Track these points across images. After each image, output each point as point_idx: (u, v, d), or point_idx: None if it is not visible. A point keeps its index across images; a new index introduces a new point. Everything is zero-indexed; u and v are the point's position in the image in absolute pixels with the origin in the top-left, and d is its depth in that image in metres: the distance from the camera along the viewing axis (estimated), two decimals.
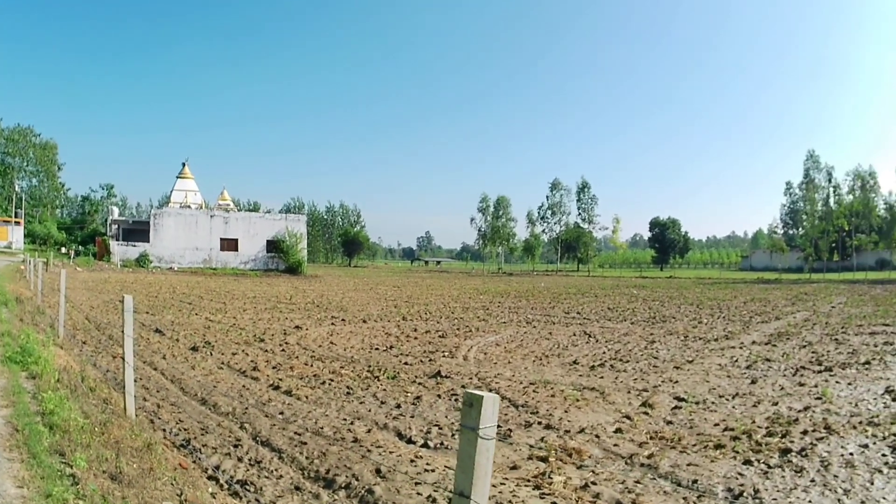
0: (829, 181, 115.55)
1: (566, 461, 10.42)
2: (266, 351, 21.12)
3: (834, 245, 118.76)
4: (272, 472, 9.67)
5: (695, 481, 9.65)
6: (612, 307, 44.29)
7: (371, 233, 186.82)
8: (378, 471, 9.63)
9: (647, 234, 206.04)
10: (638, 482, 9.60)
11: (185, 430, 11.62)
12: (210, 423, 12.21)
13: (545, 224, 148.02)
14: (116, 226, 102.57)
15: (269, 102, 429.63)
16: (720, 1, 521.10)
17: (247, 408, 13.40)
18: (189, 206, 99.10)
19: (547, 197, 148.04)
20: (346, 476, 9.43)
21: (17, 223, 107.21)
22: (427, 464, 10.10)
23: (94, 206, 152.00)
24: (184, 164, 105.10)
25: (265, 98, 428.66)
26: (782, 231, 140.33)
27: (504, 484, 9.28)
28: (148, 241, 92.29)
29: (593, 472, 10.01)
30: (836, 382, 17.62)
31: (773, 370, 19.63)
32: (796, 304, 47.43)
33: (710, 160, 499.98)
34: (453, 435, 11.79)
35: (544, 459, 10.42)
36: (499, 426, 12.19)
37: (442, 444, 11.26)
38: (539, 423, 12.87)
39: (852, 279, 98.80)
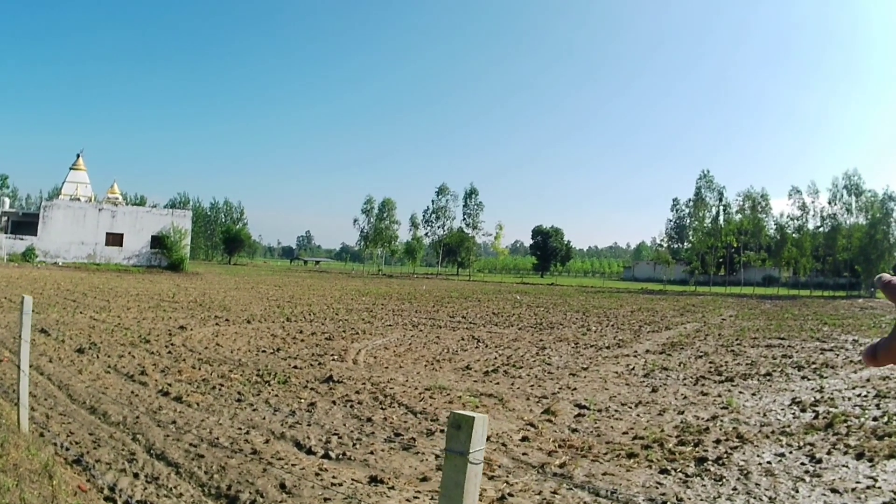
0: (721, 199, 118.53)
1: None
2: (152, 353, 20.21)
3: (721, 260, 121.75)
4: (171, 489, 8.97)
5: (613, 491, 9.44)
6: (496, 312, 44.29)
7: (252, 231, 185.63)
8: (283, 485, 9.07)
9: (528, 242, 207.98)
10: (555, 493, 9.34)
11: (76, 443, 10.74)
12: (102, 434, 11.33)
13: (429, 227, 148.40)
14: (6, 218, 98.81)
15: (162, 96, 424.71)
16: (616, 12, 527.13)
17: (138, 416, 12.55)
18: (79, 199, 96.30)
19: (433, 201, 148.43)
20: (250, 492, 8.83)
21: None
22: (333, 477, 9.59)
23: None
24: (78, 156, 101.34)
25: (158, 92, 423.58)
26: (667, 245, 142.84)
27: (418, 498, 8.89)
28: (36, 235, 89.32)
29: (507, 482, 9.66)
30: (740, 393, 17.77)
31: (671, 379, 19.69)
32: (685, 315, 48.28)
33: (593, 173, 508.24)
34: (354, 444, 11.24)
35: None
36: (400, 434, 12.03)
37: (344, 454, 10.65)
38: (441, 430, 12.37)
39: (739, 293, 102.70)
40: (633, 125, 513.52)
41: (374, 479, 9.45)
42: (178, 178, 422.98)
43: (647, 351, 26.06)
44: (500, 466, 10.32)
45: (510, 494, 9.05)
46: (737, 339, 31.30)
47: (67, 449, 10.28)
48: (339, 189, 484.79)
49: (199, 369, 17.86)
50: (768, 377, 20.36)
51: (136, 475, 9.35)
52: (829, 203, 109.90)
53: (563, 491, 9.37)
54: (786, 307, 64.67)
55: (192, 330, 26.24)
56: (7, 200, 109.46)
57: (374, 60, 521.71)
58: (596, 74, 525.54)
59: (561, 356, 23.56)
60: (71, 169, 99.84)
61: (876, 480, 10.39)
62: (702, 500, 9.26)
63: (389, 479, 9.48)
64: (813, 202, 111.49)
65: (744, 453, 11.63)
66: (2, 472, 7.80)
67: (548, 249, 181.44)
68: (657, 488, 9.65)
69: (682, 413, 14.94)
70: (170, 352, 20.61)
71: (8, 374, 15.54)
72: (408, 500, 8.73)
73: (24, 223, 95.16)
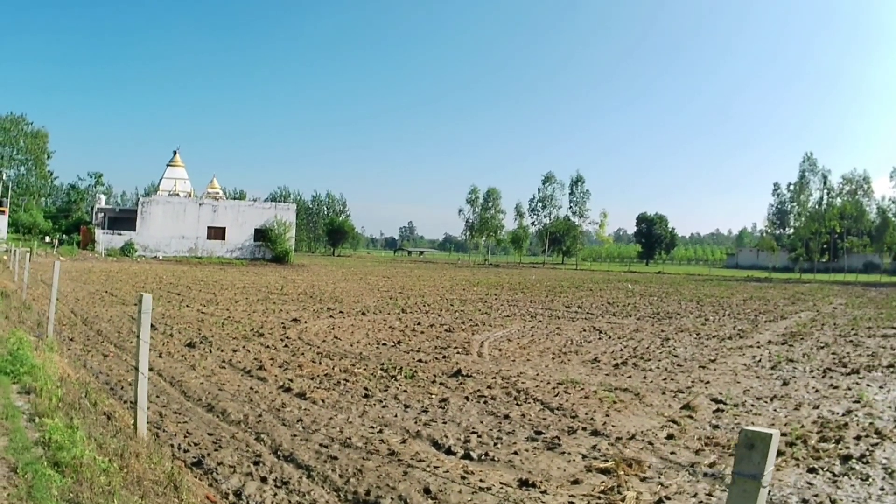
0: (825, 184, 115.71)
1: (628, 473, 9.62)
2: (268, 347, 20.05)
3: (825, 246, 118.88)
4: (304, 495, 8.57)
5: (768, 492, 8.80)
6: (611, 302, 43.71)
7: (354, 222, 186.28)
8: (427, 490, 8.69)
9: (630, 229, 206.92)
10: (710, 494, 9.00)
11: (195, 444, 10.41)
12: (222, 434, 11.05)
13: (535, 216, 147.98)
14: (102, 214, 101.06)
15: (259, 92, 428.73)
16: None
17: (260, 414, 12.27)
18: (178, 195, 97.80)
19: (539, 189, 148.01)
20: (392, 498, 8.43)
21: (2, 212, 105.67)
22: (480, 480, 9.18)
23: (81, 194, 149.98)
24: (175, 153, 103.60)
25: (254, 87, 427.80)
26: (770, 231, 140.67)
27: (574, 503, 8.51)
28: (134, 230, 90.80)
29: (661, 484, 9.29)
30: (868, 385, 17.32)
31: (799, 371, 19.17)
32: (796, 304, 47.15)
33: (693, 158, 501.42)
34: (495, 444, 10.91)
35: (605, 472, 9.66)
36: (541, 432, 11.66)
37: (486, 454, 10.27)
38: (583, 428, 12.03)
39: (843, 280, 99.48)
40: (732, 107, 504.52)
41: (523, 483, 9.06)
42: (277, 172, 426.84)
43: (770, 342, 25.41)
44: (649, 467, 9.95)
45: (667, 497, 8.69)
46: (852, 329, 30.56)
47: (186, 451, 9.97)
48: (440, 179, 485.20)
49: (320, 364, 17.61)
50: (892, 369, 19.86)
51: (263, 479, 9.00)
52: None
53: (717, 493, 9.05)
54: (891, 295, 63.08)
55: (306, 322, 26.11)
56: (103, 198, 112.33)
57: (472, 46, 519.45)
58: (692, 57, 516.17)
59: (686, 347, 23.11)
60: (168, 165, 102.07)
61: None
62: (853, 500, 8.97)
63: (540, 482, 9.10)
64: None
65: (884, 450, 11.30)
66: (126, 489, 7.40)
67: (652, 237, 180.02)
68: (808, 488, 9.38)
69: (818, 408, 14.53)
70: (286, 345, 20.42)
71: (115, 370, 15.53)
72: None
73: (121, 219, 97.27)
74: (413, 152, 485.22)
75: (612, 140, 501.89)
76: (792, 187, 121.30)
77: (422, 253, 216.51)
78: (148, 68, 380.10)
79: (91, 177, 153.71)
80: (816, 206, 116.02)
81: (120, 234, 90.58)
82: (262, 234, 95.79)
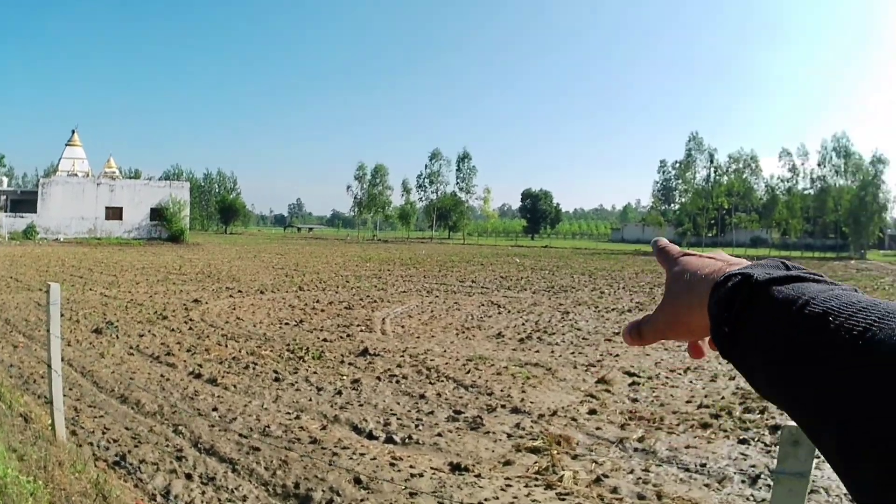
0: (711, 161, 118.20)
1: (559, 451, 9.45)
2: (173, 330, 19.50)
3: (713, 221, 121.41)
4: (232, 491, 8.21)
5: (703, 465, 9.19)
6: (504, 276, 44.04)
7: (245, 200, 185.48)
8: (358, 480, 8.38)
9: (515, 205, 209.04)
10: (647, 470, 8.97)
11: (114, 441, 9.82)
12: (140, 428, 10.45)
13: (422, 192, 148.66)
14: (5, 196, 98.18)
15: (153, 70, 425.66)
16: None
17: (174, 404, 11.73)
18: (77, 175, 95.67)
19: (426, 166, 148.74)
20: (323, 490, 8.11)
21: None
22: (410, 466, 8.91)
23: None
24: (73, 132, 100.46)
25: (149, 67, 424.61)
26: (656, 206, 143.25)
27: (511, 486, 8.29)
28: (35, 212, 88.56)
29: (594, 462, 9.21)
30: None
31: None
32: None
33: (578, 136, 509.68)
34: (417, 426, 10.70)
35: (535, 451, 9.53)
36: (460, 412, 11.50)
37: (410, 437, 10.09)
38: (502, 406, 11.92)
39: (732, 254, 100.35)
40: (616, 88, 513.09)
41: (455, 467, 8.87)
42: (171, 150, 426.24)
43: None
44: (578, 444, 9.83)
45: (605, 476, 8.57)
46: None
47: (107, 449, 9.49)
48: (328, 157, 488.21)
49: (226, 346, 17.23)
50: None
51: (188, 476, 8.60)
52: (819, 165, 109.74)
53: (654, 468, 8.98)
54: None
55: (207, 303, 25.68)
56: (5, 179, 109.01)
57: (364, 26, 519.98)
58: (581, 35, 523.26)
59: (587, 321, 23.24)
60: (67, 145, 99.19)
61: None
62: None
63: (471, 465, 8.92)
64: (803, 164, 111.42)
65: None
66: None
67: (537, 212, 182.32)
68: (744, 460, 9.46)
69: (734, 379, 14.55)
70: (191, 328, 19.96)
71: (26, 362, 14.83)
72: (501, 489, 8.16)
73: (23, 201, 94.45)
74: (301, 130, 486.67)
75: (498, 118, 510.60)
76: (678, 165, 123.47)
77: (311, 229, 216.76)
78: (45, 47, 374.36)
79: None
80: (704, 183, 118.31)
81: (22, 217, 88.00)
82: (157, 214, 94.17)
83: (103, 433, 10.12)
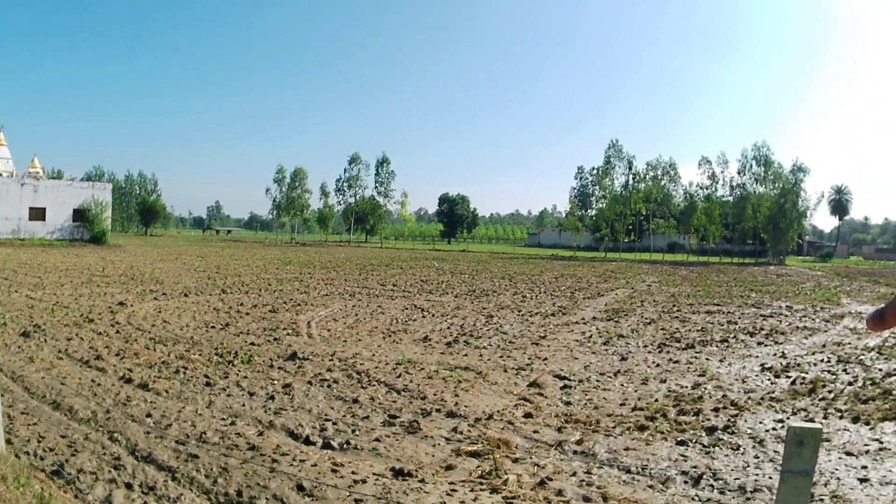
0: (630, 168, 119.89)
1: (499, 455, 9.42)
2: (100, 334, 19.16)
3: (630, 227, 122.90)
4: (174, 501, 7.99)
5: (644, 467, 9.29)
6: (424, 279, 44.32)
7: (165, 202, 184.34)
8: (301, 487, 8.24)
9: (432, 209, 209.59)
10: (589, 472, 9.03)
11: (51, 450, 9.44)
12: (75, 436, 10.06)
13: (341, 196, 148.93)
14: None
15: (75, 71, 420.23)
16: None
17: (108, 410, 11.44)
18: (1, 174, 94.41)
19: (345, 170, 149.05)
20: (267, 498, 7.99)
21: None
22: (352, 472, 8.80)
23: None
24: None
25: (72, 67, 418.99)
26: (573, 212, 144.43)
27: (457, 491, 8.26)
28: None
29: (536, 465, 9.22)
30: (707, 359, 18.08)
31: (633, 346, 19.85)
32: (609, 281, 48.88)
33: (495, 143, 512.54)
34: (354, 431, 10.58)
35: (476, 455, 9.53)
36: (395, 416, 11.49)
37: (348, 442, 9.96)
38: (437, 410, 11.95)
39: (650, 259, 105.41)
40: (534, 94, 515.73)
41: (398, 473, 8.79)
42: (93, 151, 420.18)
43: (594, 318, 26.08)
44: (517, 447, 9.86)
45: (548, 479, 8.58)
46: (674, 306, 31.78)
47: (43, 458, 9.07)
48: (247, 160, 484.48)
49: (155, 350, 17.02)
50: (725, 343, 20.72)
51: (129, 486, 8.34)
52: (739, 173, 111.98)
53: (596, 470, 9.06)
54: (702, 273, 66.13)
55: (132, 306, 25.31)
56: None
57: (284, 28, 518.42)
58: (500, 39, 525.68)
59: (512, 325, 23.42)
60: None
61: (882, 442, 10.72)
62: (731, 470, 9.24)
63: (413, 470, 8.86)
64: (722, 172, 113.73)
65: (746, 421, 11.75)
66: None
67: (454, 217, 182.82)
68: (685, 461, 9.57)
69: (665, 381, 14.94)
70: (118, 331, 19.64)
71: None
72: (447, 493, 8.14)
73: None
74: (220, 132, 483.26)
75: (416, 122, 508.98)
76: (596, 171, 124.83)
77: (229, 232, 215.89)
78: None
79: None
80: (622, 190, 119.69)
81: None
82: (80, 215, 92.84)
83: (38, 441, 9.77)
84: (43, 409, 11.58)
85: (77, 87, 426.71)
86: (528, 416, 11.62)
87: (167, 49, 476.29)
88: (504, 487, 8.13)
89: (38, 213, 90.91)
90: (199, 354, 16.54)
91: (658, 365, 16.89)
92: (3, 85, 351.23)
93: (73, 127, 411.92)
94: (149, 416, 11.20)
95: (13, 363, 14.82)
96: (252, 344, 18.24)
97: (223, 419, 11.15)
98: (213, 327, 20.88)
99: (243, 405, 12.09)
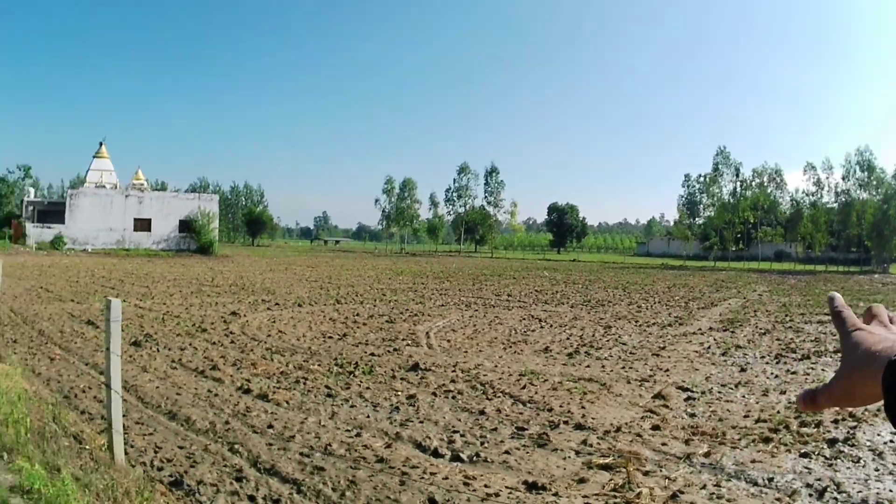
0: (737, 175, 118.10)
1: (631, 468, 9.36)
2: (214, 343, 19.37)
3: (738, 235, 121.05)
4: None
5: (771, 479, 9.19)
6: (538, 289, 44.09)
7: (271, 213, 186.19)
8: (433, 501, 8.18)
9: (540, 219, 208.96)
10: (718, 485, 8.96)
11: (168, 461, 9.54)
12: (193, 447, 10.20)
13: (450, 206, 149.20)
14: (32, 207, 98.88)
15: (179, 83, 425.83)
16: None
17: (227, 421, 11.52)
18: (105, 186, 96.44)
19: (454, 180, 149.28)
20: None
21: None
22: (485, 486, 8.73)
23: (10, 187, 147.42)
24: (101, 144, 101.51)
25: (175, 80, 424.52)
26: (681, 220, 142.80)
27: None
28: (63, 223, 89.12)
29: (667, 478, 9.14)
30: (823, 370, 17.69)
31: (751, 357, 19.55)
32: (721, 291, 48.13)
33: (602, 152, 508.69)
34: (482, 443, 10.55)
35: (607, 468, 9.44)
36: (524, 428, 11.40)
37: (478, 455, 9.91)
38: (565, 422, 11.83)
39: (758, 268, 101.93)
40: (641, 106, 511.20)
41: (531, 486, 8.69)
42: (197, 163, 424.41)
43: (710, 329, 25.75)
44: (647, 460, 9.79)
45: (680, 492, 8.53)
46: (786, 316, 31.12)
47: (161, 469, 9.18)
48: (354, 170, 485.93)
49: (272, 360, 17.12)
50: (839, 354, 19.97)
51: (251, 498, 8.29)
52: (843, 179, 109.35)
53: (725, 483, 8.98)
54: (810, 283, 64.45)
55: (245, 316, 25.58)
56: (32, 190, 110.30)
57: (390, 42, 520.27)
58: (607, 55, 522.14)
59: (630, 335, 23.23)
60: (94, 157, 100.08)
61: None
62: (854, 482, 9.12)
63: (546, 483, 8.76)
64: (827, 178, 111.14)
65: (864, 433, 11.52)
66: None
67: (563, 226, 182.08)
68: (808, 473, 9.45)
69: (785, 393, 14.72)
70: (233, 341, 19.85)
71: (65, 375, 14.75)
72: None
73: (50, 212, 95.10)
74: (327, 143, 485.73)
75: (524, 131, 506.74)
76: (704, 179, 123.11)
77: (337, 242, 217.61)
78: (72, 59, 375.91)
79: (20, 170, 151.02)
80: (729, 197, 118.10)
81: (50, 228, 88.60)
82: (186, 226, 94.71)
83: (155, 452, 9.90)
84: (158, 418, 11.69)
85: (181, 100, 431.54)
86: (655, 428, 11.53)
87: (273, 62, 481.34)
88: (637, 501, 8.12)
89: (143, 224, 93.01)
90: (319, 365, 16.59)
91: (777, 376, 16.66)
92: (106, 98, 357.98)
93: (178, 140, 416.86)
94: (270, 427, 11.23)
95: (126, 372, 14.43)
96: (372, 354, 18.27)
97: (348, 431, 11.11)
98: (330, 337, 20.98)
99: (368, 417, 12.06)
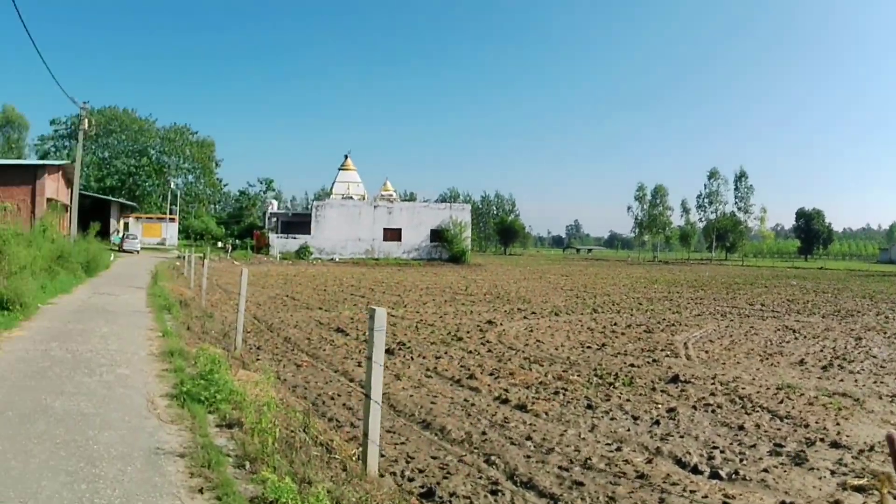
0: None
1: (883, 490, 9.39)
2: (471, 352, 19.92)
3: None
4: None
5: None
6: (790, 299, 43.55)
7: (523, 221, 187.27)
8: None
9: (788, 224, 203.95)
10: None
11: (420, 471, 9.58)
12: (448, 457, 10.26)
13: (701, 213, 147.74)
14: (275, 219, 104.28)
15: (422, 95, 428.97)
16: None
17: (484, 431, 11.68)
18: (352, 198, 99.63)
19: (705, 185, 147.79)
20: None
21: (172, 220, 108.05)
22: None
23: (252, 200, 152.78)
24: (346, 157, 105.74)
25: (418, 92, 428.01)
26: None
27: None
28: (308, 234, 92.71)
29: None
30: None
31: None
32: None
33: (845, 156, 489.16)
34: (741, 460, 10.53)
35: (860, 489, 9.41)
36: (781, 445, 11.39)
37: (737, 473, 9.87)
38: (821, 439, 11.76)
39: None
40: (879, 105, 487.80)
41: None
42: (444, 174, 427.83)
43: None
44: None
45: None
46: None
47: (412, 480, 9.20)
48: (605, 178, 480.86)
49: (530, 370, 17.35)
50: None
51: None
52: None
53: None
54: None
55: (501, 325, 26.07)
56: (275, 203, 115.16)
57: (644, 42, 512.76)
58: (851, 59, 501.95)
59: (880, 348, 22.93)
60: (340, 169, 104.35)
61: None
62: None
63: None
64: None
65: None
66: None
67: (811, 232, 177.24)
68: None
69: None
70: (489, 350, 20.21)
71: (312, 382, 15.34)
72: None
73: (294, 223, 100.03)
74: (578, 150, 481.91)
75: (766, 134, 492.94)
76: None
77: (590, 251, 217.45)
78: (314, 74, 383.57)
79: (262, 183, 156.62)
80: None
81: (294, 238, 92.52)
82: (437, 235, 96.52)
83: (407, 462, 10.01)
84: (412, 427, 11.96)
85: (427, 110, 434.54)
86: None
87: (519, 65, 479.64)
88: None
89: (392, 234, 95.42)
90: (578, 375, 16.81)
91: None
92: (350, 110, 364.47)
93: (425, 151, 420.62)
94: (528, 438, 11.33)
95: None
96: (631, 365, 18.50)
97: (608, 444, 11.18)
98: (588, 347, 21.26)
99: (628, 430, 12.15)
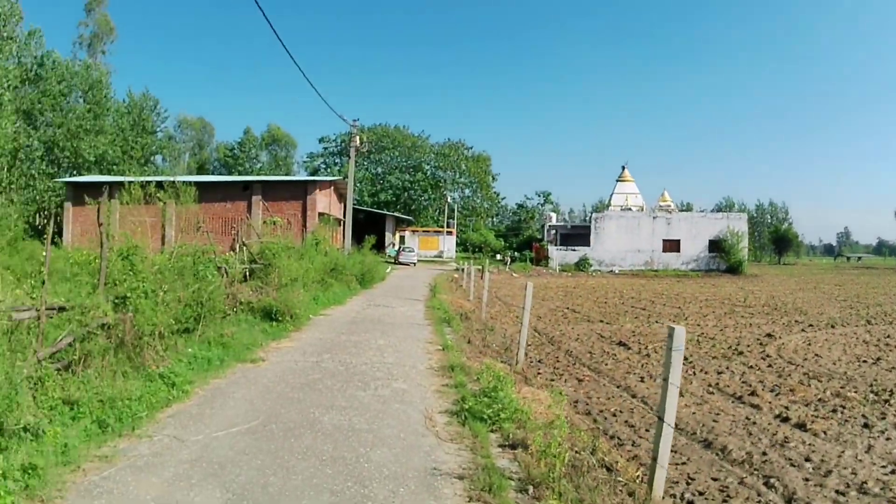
0: None
1: None
2: (751, 367, 19.21)
3: None
4: None
5: None
6: None
7: (796, 230, 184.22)
8: None
9: None
10: None
11: (700, 493, 9.38)
12: (728, 478, 9.97)
13: None
14: (554, 231, 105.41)
15: (697, 104, 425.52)
16: None
17: (764, 452, 11.25)
18: (630, 209, 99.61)
19: None
20: None
21: (450, 233, 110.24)
22: None
23: (530, 213, 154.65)
24: (623, 168, 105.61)
25: (692, 100, 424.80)
26: None
27: None
28: (586, 245, 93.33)
29: None
30: None
31: None
32: None
33: None
34: None
35: None
36: None
37: None
38: None
39: None
40: None
41: None
42: (720, 182, 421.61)
43: None
44: None
45: None
46: None
47: (691, 502, 9.09)
48: (875, 182, 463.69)
49: (809, 386, 16.67)
50: None
51: None
52: None
53: None
54: None
55: (780, 338, 25.26)
56: (553, 215, 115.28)
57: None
58: None
59: None
60: (617, 181, 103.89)
61: None
62: None
63: None
64: None
65: None
66: None
67: None
68: None
69: None
70: (769, 365, 19.59)
71: (594, 397, 15.07)
72: None
73: (573, 235, 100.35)
74: (847, 155, 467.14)
75: None
76: None
77: (860, 259, 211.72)
78: (596, 93, 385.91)
79: (539, 196, 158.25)
80: None
81: (573, 250, 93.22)
82: (716, 245, 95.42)
83: (688, 483, 9.81)
84: (693, 447, 11.61)
85: (702, 118, 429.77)
86: None
87: (795, 74, 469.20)
88: None
89: (671, 245, 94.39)
90: (855, 392, 15.98)
91: None
92: (626, 122, 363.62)
93: (700, 159, 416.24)
94: (807, 460, 10.91)
95: (656, 395, 14.69)
96: None
97: (883, 466, 10.65)
98: (864, 361, 20.28)
99: None
